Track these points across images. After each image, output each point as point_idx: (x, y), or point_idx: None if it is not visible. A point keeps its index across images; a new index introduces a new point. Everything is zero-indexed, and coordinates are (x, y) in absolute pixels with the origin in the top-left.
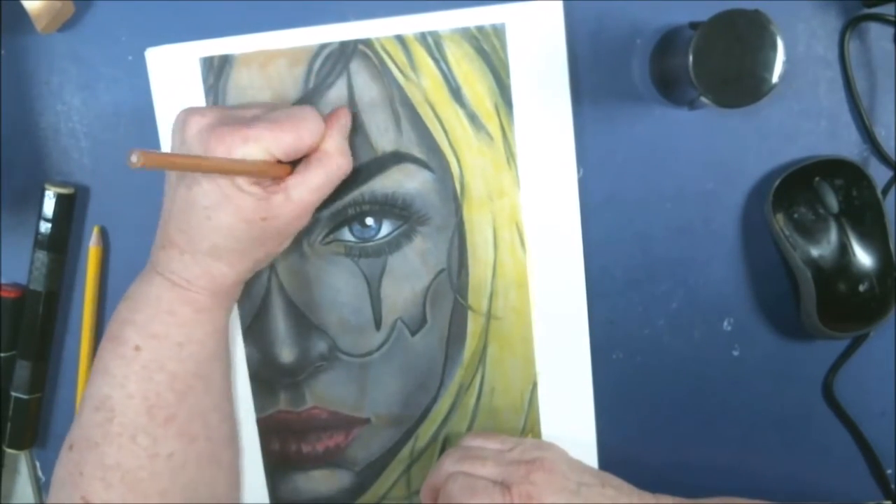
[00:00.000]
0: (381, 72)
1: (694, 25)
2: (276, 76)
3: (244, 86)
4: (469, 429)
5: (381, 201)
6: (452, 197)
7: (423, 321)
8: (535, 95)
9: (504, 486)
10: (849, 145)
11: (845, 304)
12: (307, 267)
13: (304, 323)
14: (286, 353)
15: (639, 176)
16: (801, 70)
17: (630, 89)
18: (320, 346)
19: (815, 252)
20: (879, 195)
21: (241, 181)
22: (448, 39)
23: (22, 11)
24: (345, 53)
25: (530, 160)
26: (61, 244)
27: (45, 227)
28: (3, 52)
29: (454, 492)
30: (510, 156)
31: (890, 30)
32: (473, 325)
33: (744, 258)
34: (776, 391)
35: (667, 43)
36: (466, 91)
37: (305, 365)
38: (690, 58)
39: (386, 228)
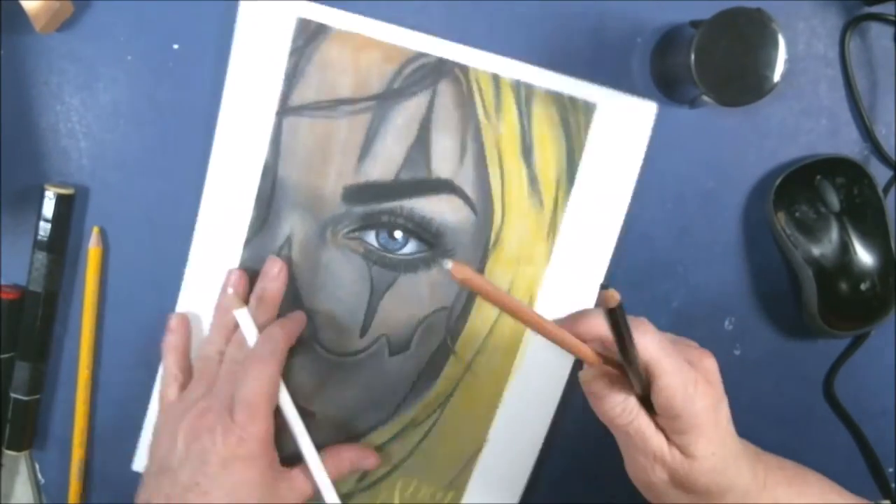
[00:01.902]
0: (465, 101)
1: (695, 24)
2: (364, 65)
3: (330, 61)
4: (402, 462)
5: (417, 221)
6: (483, 245)
7: (406, 347)
8: (598, 184)
9: None
10: (849, 144)
11: (846, 303)
12: (322, 252)
13: (296, 302)
14: None
15: (639, 175)
16: (801, 69)
17: (631, 88)
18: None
19: (816, 251)
20: (881, 193)
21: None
22: (539, 97)
23: (20, 11)
24: (439, 70)
25: (570, 242)
26: (61, 245)
27: (44, 227)
28: (1, 52)
29: None
30: (552, 230)
31: (890, 29)
32: (450, 370)
33: (745, 257)
34: (777, 390)
35: (668, 41)
36: (537, 152)
37: None
38: (692, 56)
39: (410, 248)
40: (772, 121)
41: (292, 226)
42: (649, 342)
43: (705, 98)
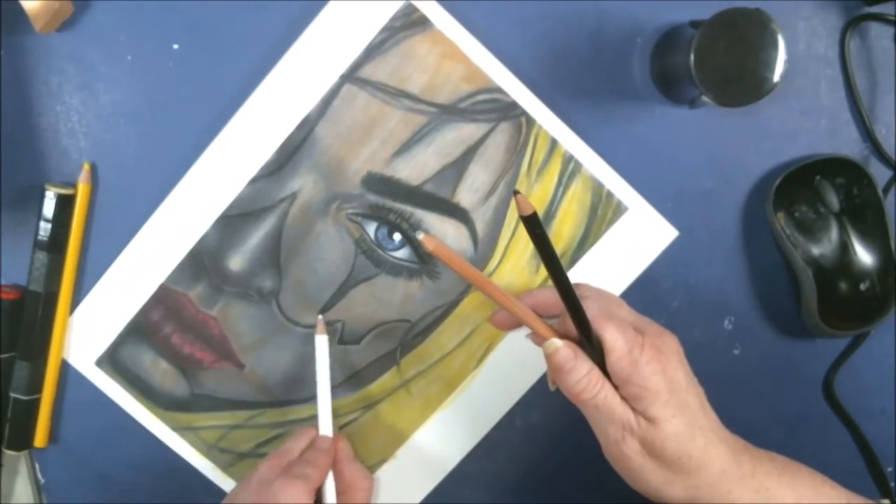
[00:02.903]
0: (517, 149)
1: (695, 24)
2: (444, 72)
3: (415, 54)
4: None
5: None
6: (468, 284)
7: (356, 342)
8: (593, 275)
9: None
10: (849, 144)
11: (846, 303)
12: (319, 220)
13: (273, 256)
14: (235, 262)
15: (639, 175)
16: (801, 69)
17: (630, 88)
18: (266, 283)
19: (815, 251)
20: (880, 194)
21: None
22: (582, 178)
23: (20, 11)
24: (508, 111)
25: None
26: (61, 245)
27: (44, 227)
28: (1, 52)
29: None
30: None
31: (890, 29)
32: (387, 380)
33: (744, 257)
34: (777, 390)
35: (667, 41)
36: (556, 224)
37: (240, 285)
38: (692, 56)
39: (402, 253)
40: (772, 121)
41: (303, 184)
42: (591, 303)
43: (705, 98)
